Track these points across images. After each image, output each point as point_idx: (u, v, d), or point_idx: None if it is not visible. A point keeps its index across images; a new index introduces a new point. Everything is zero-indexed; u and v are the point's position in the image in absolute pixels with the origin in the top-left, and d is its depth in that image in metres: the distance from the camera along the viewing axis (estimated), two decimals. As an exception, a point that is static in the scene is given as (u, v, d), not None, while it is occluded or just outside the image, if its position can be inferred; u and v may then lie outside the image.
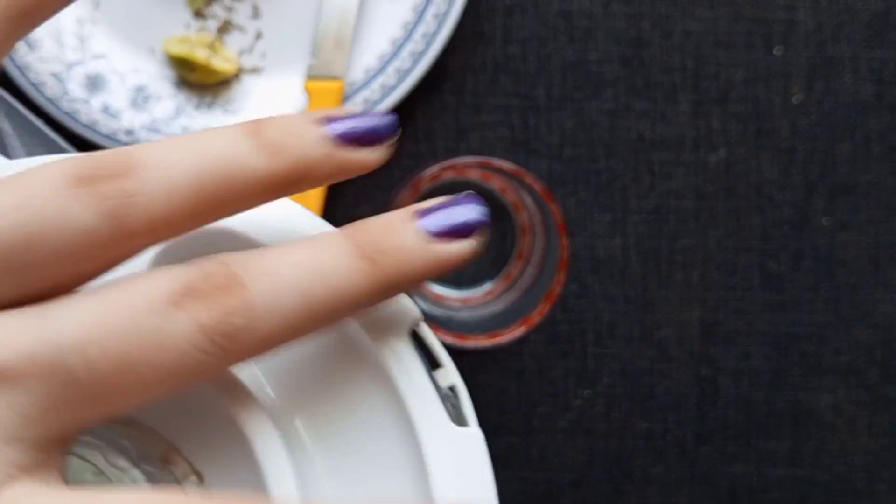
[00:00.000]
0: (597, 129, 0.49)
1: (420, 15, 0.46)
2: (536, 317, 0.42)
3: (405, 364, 0.22)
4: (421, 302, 0.46)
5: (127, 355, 0.17)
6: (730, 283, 0.50)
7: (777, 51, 0.50)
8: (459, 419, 0.23)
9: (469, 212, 0.21)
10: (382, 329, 0.22)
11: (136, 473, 0.22)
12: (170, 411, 0.21)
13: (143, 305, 0.17)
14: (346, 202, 0.49)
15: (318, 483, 0.22)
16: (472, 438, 0.22)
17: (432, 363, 0.23)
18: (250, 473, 0.21)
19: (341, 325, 0.22)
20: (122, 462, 0.22)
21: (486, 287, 0.49)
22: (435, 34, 0.46)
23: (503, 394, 0.50)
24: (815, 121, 0.50)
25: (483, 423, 0.50)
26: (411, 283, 0.21)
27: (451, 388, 0.24)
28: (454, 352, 0.49)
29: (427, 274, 0.21)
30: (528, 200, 0.46)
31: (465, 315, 0.47)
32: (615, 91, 0.49)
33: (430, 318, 0.43)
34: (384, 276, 0.20)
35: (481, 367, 0.50)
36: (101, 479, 0.21)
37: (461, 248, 0.21)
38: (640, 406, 0.50)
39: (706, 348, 0.50)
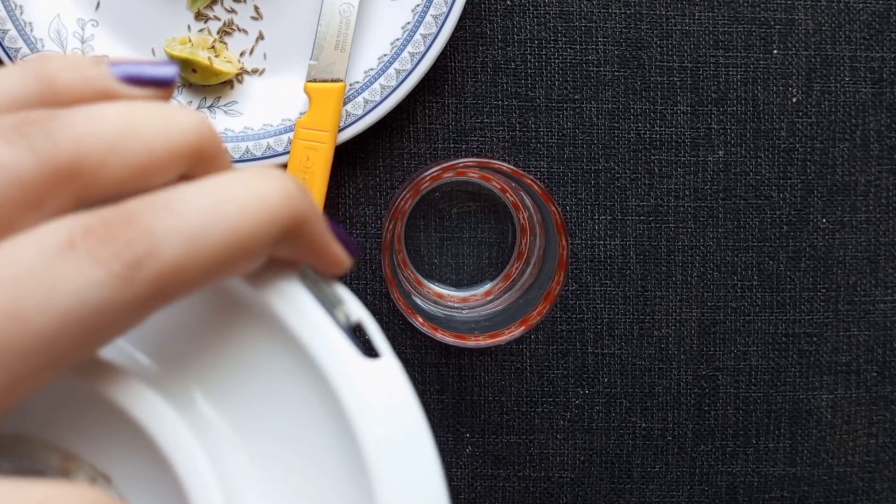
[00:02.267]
0: (596, 129, 0.49)
1: (420, 16, 0.46)
2: (536, 317, 0.42)
3: (297, 306, 0.21)
4: (421, 302, 0.46)
5: (16, 303, 0.16)
6: (728, 282, 0.50)
7: (776, 51, 0.50)
8: (370, 352, 0.21)
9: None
10: (266, 277, 0.21)
11: None
12: (56, 416, 0.20)
13: (34, 252, 0.17)
14: (346, 202, 0.49)
15: (229, 453, 0.21)
16: (386, 368, 0.21)
17: (332, 303, 0.22)
18: (153, 455, 0.20)
19: (221, 285, 0.21)
20: None
21: (486, 287, 0.49)
22: (435, 35, 0.46)
23: (503, 393, 0.50)
24: (813, 121, 0.50)
25: (483, 423, 0.51)
26: (307, 243, 0.21)
27: (359, 325, 0.22)
28: (454, 352, 0.50)
29: (320, 247, 0.21)
30: (528, 201, 0.46)
31: (465, 315, 0.47)
32: (614, 92, 0.49)
33: (430, 319, 0.43)
34: (299, 215, 0.20)
35: (481, 367, 0.50)
36: None
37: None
38: (640, 405, 0.50)
39: (705, 348, 0.50)
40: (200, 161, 0.20)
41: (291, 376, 0.21)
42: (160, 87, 0.21)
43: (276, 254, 0.21)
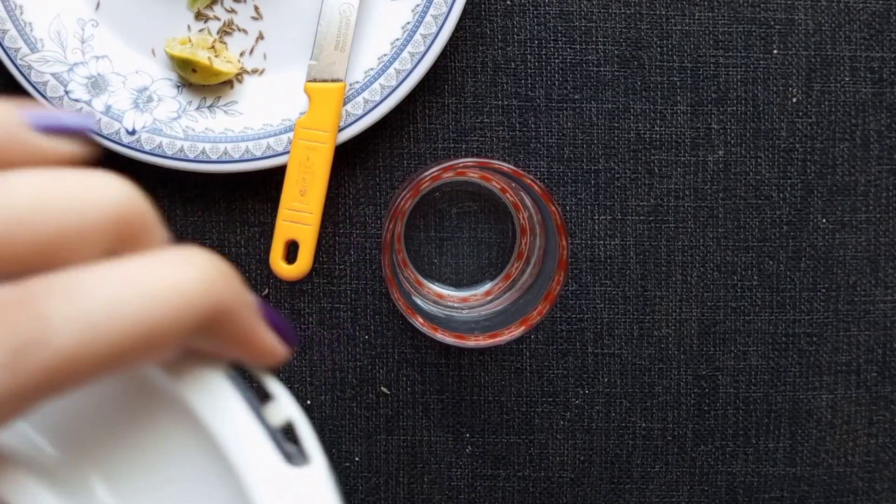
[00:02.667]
0: (596, 129, 0.49)
1: (420, 16, 0.46)
2: (536, 317, 0.42)
3: (218, 402, 0.19)
4: (421, 302, 0.46)
5: None
6: (728, 282, 0.50)
7: (776, 51, 0.50)
8: (297, 457, 0.20)
9: (292, 327, 0.21)
10: (188, 366, 0.19)
11: None
12: None
13: None
14: (346, 203, 0.49)
15: None
16: (313, 478, 0.19)
17: (264, 396, 0.20)
18: None
19: (139, 370, 0.20)
20: None
21: (486, 287, 0.49)
22: (435, 35, 0.46)
23: (503, 393, 0.50)
24: (813, 121, 0.50)
25: (483, 423, 0.51)
26: (230, 335, 0.19)
27: (289, 424, 0.21)
28: (454, 352, 0.50)
29: (246, 338, 0.19)
30: (528, 201, 0.46)
31: (465, 315, 0.47)
32: (614, 92, 0.49)
33: (430, 318, 0.43)
34: (219, 304, 0.18)
35: (481, 367, 0.50)
36: None
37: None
38: (639, 405, 0.50)
39: (705, 348, 0.50)
40: (125, 237, 0.18)
41: (208, 475, 0.20)
42: (77, 137, 0.20)
43: (195, 346, 0.19)
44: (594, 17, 0.49)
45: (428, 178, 0.42)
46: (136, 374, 0.20)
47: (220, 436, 0.19)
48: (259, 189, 0.49)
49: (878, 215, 0.50)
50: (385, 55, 0.47)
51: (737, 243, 0.50)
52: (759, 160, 0.50)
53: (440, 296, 0.49)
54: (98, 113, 0.47)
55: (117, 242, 0.18)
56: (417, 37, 0.46)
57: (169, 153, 0.46)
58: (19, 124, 0.19)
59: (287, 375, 0.50)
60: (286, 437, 0.20)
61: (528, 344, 0.50)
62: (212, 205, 0.49)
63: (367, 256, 0.49)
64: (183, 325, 0.17)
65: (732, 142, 0.50)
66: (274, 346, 0.20)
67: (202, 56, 0.46)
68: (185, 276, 0.17)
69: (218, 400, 0.19)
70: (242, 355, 0.20)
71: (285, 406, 0.20)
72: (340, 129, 0.47)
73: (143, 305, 0.17)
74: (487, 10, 0.49)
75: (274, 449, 0.19)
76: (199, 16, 0.48)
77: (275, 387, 0.21)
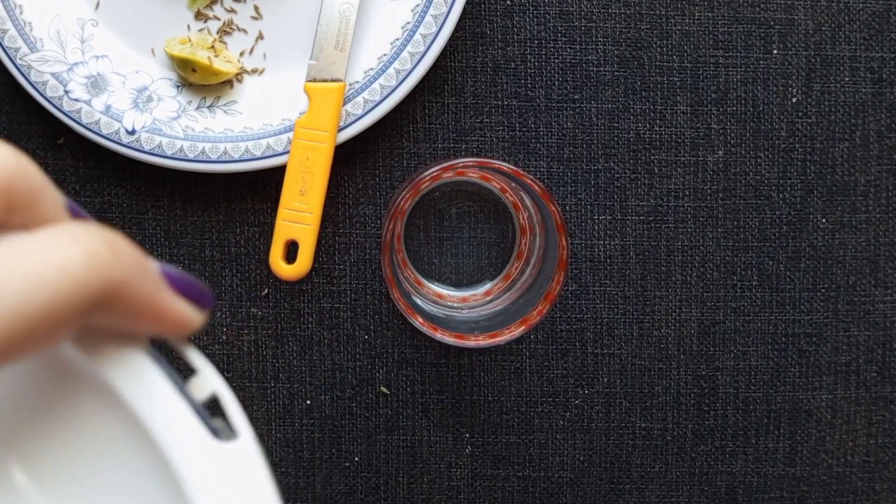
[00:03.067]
0: (596, 129, 0.49)
1: (420, 16, 0.46)
2: (536, 316, 0.42)
3: (139, 381, 0.19)
4: (421, 302, 0.46)
5: None
6: (728, 282, 0.50)
7: (776, 51, 0.50)
8: (224, 432, 0.20)
9: (204, 287, 0.20)
10: (108, 346, 0.19)
11: None
12: None
13: None
14: (346, 203, 0.49)
15: None
16: (241, 452, 0.19)
17: (183, 374, 0.20)
18: None
19: (55, 349, 0.19)
20: None
21: (486, 287, 0.49)
22: (435, 35, 0.46)
23: (503, 393, 0.50)
24: (813, 121, 0.50)
25: (483, 423, 0.51)
26: (131, 309, 0.18)
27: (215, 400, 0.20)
28: (454, 352, 0.50)
29: (150, 310, 0.19)
30: (528, 201, 0.46)
31: (464, 315, 0.47)
32: (614, 92, 0.49)
33: (430, 318, 0.43)
34: (110, 280, 0.17)
35: (481, 367, 0.50)
36: None
37: (188, 309, 0.19)
38: (639, 405, 0.50)
39: (705, 348, 0.50)
40: (14, 205, 0.17)
41: (134, 456, 0.19)
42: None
43: (95, 324, 0.18)
44: (594, 17, 0.49)
45: (428, 178, 0.42)
46: (53, 358, 0.19)
47: (142, 414, 0.19)
48: (259, 189, 0.49)
49: (878, 215, 0.50)
50: (385, 55, 0.47)
51: (736, 243, 0.50)
52: (758, 160, 0.50)
53: (440, 296, 0.49)
54: (97, 112, 0.46)
55: (5, 212, 0.17)
56: (417, 37, 0.46)
57: (168, 153, 0.46)
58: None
59: (287, 375, 0.50)
60: (212, 412, 0.20)
61: (527, 344, 0.50)
62: (212, 205, 0.49)
63: (367, 256, 0.49)
64: (73, 307, 0.17)
65: (732, 142, 0.50)
66: (186, 313, 0.20)
67: (202, 56, 0.46)
68: (70, 256, 0.17)
69: (138, 378, 0.19)
70: (153, 328, 0.19)
71: (209, 380, 0.20)
72: (340, 129, 0.47)
73: (27, 293, 0.16)
74: (487, 10, 0.49)
75: (199, 424, 0.19)
76: (198, 15, 0.48)
77: (197, 360, 0.20)
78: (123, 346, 0.19)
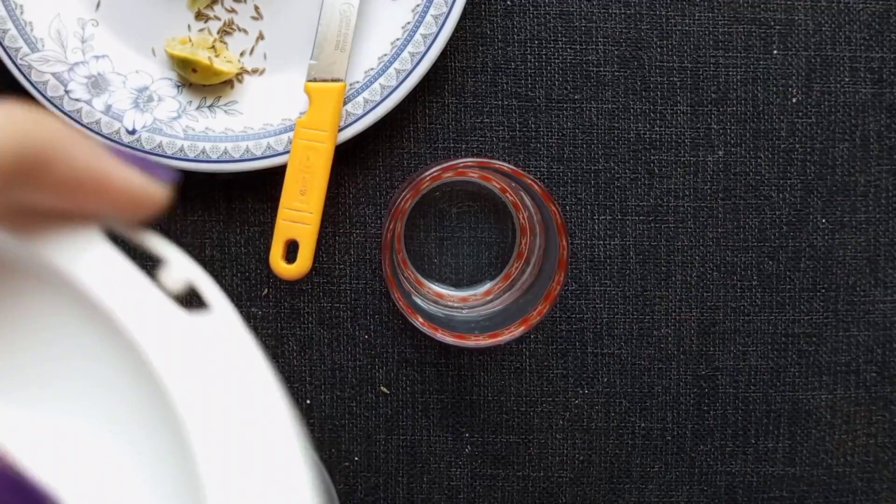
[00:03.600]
0: (596, 129, 0.49)
1: (420, 16, 0.46)
2: (536, 316, 0.43)
3: (91, 260, 0.17)
4: (421, 302, 0.46)
5: None
6: (728, 282, 0.50)
7: (776, 51, 0.50)
8: (197, 305, 0.18)
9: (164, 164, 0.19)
10: (61, 234, 0.17)
11: None
12: None
13: None
14: (346, 202, 0.49)
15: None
16: (217, 321, 0.17)
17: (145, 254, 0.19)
18: None
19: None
20: None
21: (486, 287, 0.49)
22: (435, 35, 0.46)
23: (502, 393, 0.50)
24: (813, 121, 0.50)
25: (482, 423, 0.51)
26: (64, 180, 0.16)
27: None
28: (454, 351, 0.50)
29: (90, 180, 0.17)
30: (528, 201, 0.46)
31: (464, 315, 0.47)
32: (614, 92, 0.49)
33: (430, 318, 0.43)
34: (28, 142, 0.16)
35: (481, 367, 0.50)
36: None
37: (142, 180, 0.18)
38: (639, 405, 0.50)
39: (704, 347, 0.50)
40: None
41: (99, 347, 0.18)
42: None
43: (30, 204, 0.16)
44: (594, 17, 0.49)
45: (428, 178, 0.42)
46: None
47: (97, 293, 0.17)
48: (259, 189, 0.49)
49: (878, 215, 0.50)
50: (385, 55, 0.47)
51: (736, 243, 0.50)
52: (758, 160, 0.50)
53: (440, 296, 0.49)
54: (98, 112, 0.47)
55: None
56: (417, 37, 0.46)
57: (169, 153, 0.46)
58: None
59: (287, 375, 0.50)
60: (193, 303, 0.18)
61: (527, 344, 0.50)
62: (212, 204, 0.49)
63: (367, 256, 0.49)
64: None
65: (732, 142, 0.50)
66: (139, 184, 0.18)
67: (202, 56, 0.46)
68: None
69: (91, 257, 0.17)
70: (101, 204, 0.17)
71: (181, 268, 0.18)
72: (340, 129, 0.47)
73: None
74: (487, 10, 0.49)
75: (165, 297, 0.17)
76: (199, 16, 0.48)
77: (163, 247, 0.18)
78: (79, 233, 0.17)
